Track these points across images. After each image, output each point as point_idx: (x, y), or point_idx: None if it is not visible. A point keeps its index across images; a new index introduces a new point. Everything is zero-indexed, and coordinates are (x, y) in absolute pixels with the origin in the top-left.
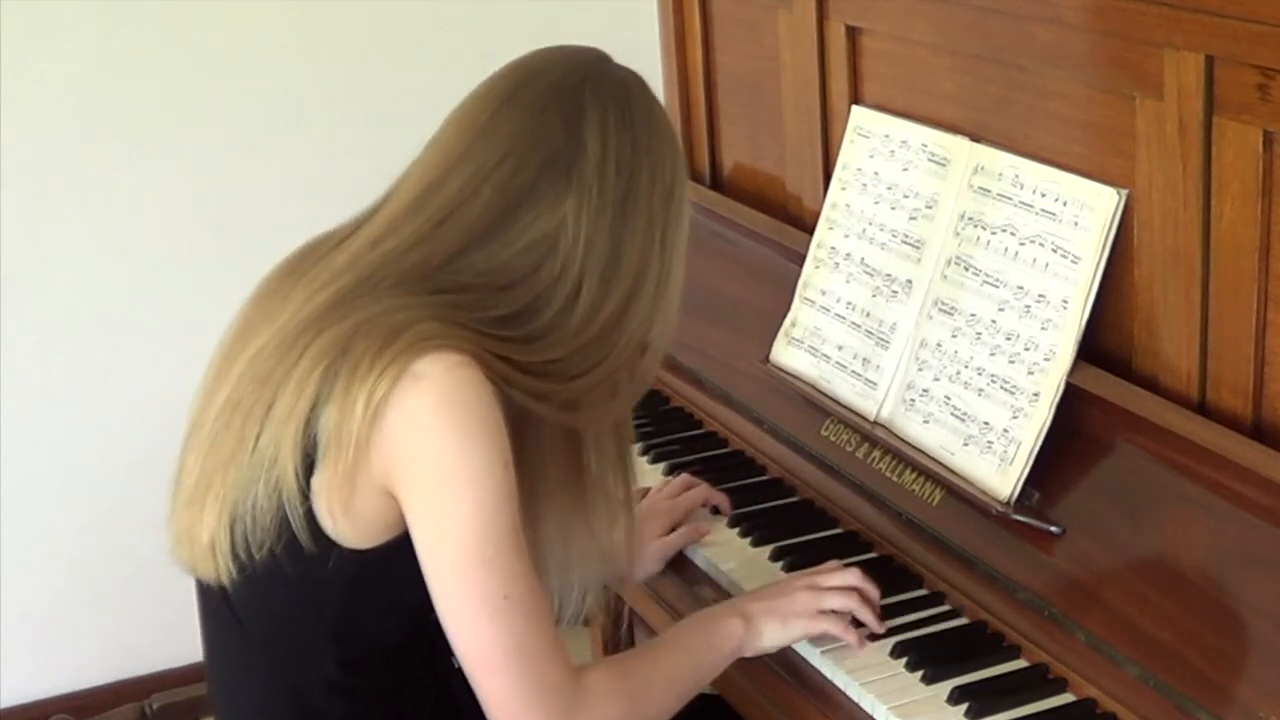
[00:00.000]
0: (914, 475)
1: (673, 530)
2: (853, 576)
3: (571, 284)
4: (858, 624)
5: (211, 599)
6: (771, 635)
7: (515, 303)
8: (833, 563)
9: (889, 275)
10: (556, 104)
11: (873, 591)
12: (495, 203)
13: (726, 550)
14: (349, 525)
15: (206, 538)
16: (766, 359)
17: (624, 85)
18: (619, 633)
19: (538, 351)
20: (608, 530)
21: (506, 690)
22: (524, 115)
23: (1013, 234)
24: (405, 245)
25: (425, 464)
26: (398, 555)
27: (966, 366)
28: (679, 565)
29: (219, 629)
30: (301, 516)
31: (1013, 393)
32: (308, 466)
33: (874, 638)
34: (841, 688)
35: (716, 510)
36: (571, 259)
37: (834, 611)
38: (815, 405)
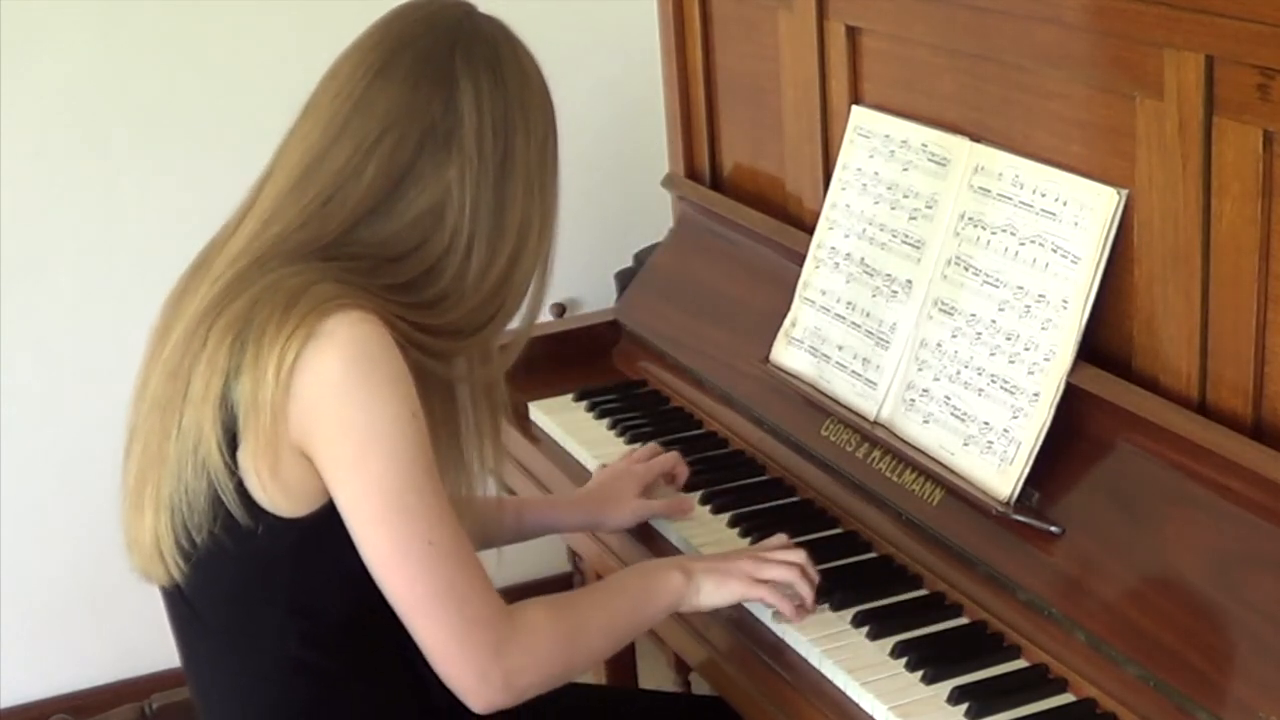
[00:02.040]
0: (914, 475)
1: (641, 491)
2: (797, 555)
3: (462, 251)
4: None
5: (172, 601)
6: (709, 594)
7: (408, 272)
8: (780, 536)
9: (889, 275)
10: (430, 75)
11: (813, 574)
12: (379, 179)
13: (727, 550)
14: (280, 494)
15: (149, 537)
16: (766, 359)
17: (492, 43)
18: None
19: (436, 316)
20: (481, 488)
21: (440, 631)
22: (399, 89)
23: (1013, 234)
24: (293, 226)
25: (335, 423)
26: (335, 520)
27: (966, 366)
28: None
29: (183, 628)
30: (233, 491)
31: (1013, 393)
32: (231, 441)
33: (876, 631)
34: (841, 687)
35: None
36: (459, 227)
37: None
38: (815, 405)
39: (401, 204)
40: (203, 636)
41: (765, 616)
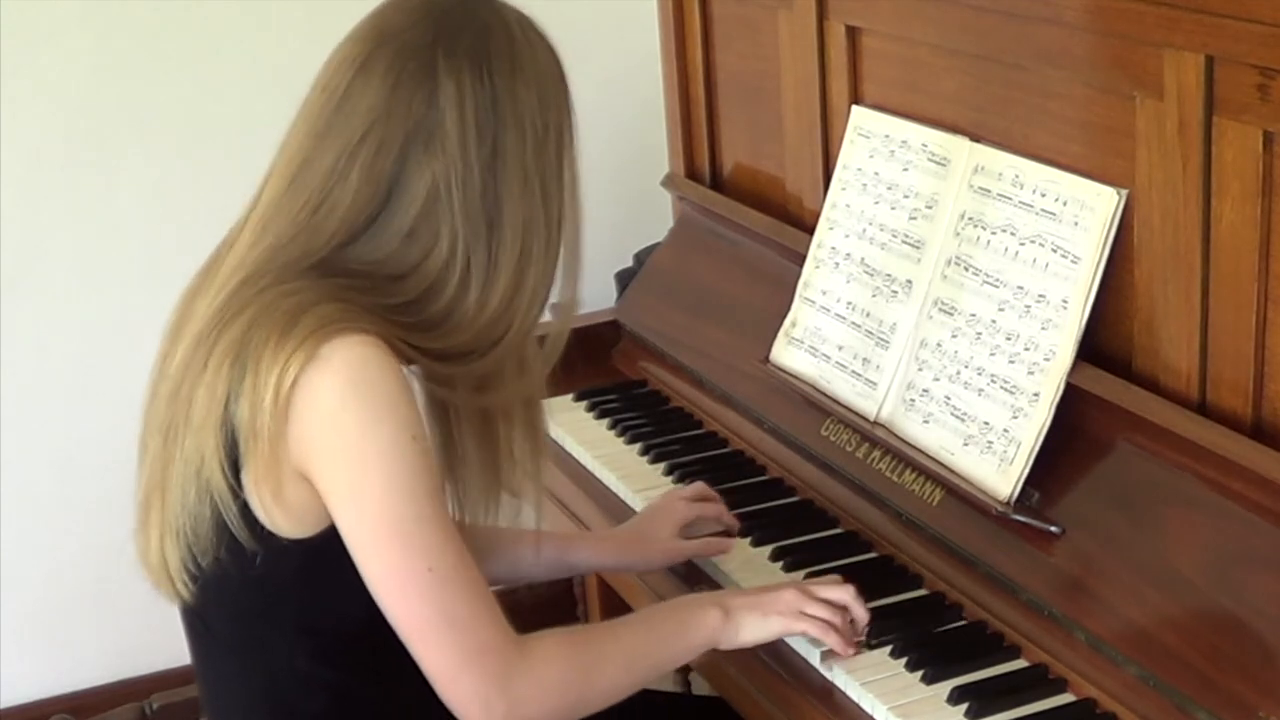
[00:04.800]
0: (914, 475)
1: (680, 530)
2: (845, 594)
3: (460, 263)
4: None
5: (184, 614)
6: (750, 630)
7: (409, 291)
8: (833, 577)
9: (889, 275)
10: (409, 72)
11: (861, 612)
12: (366, 187)
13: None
14: (283, 516)
15: (156, 559)
16: (766, 359)
17: (482, 34)
18: None
19: (440, 338)
20: (520, 506)
21: (442, 659)
22: (379, 87)
23: (1013, 234)
24: (285, 239)
25: (334, 447)
26: (339, 541)
27: (966, 366)
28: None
29: (195, 639)
30: (237, 515)
31: (1013, 393)
32: (234, 465)
33: (876, 631)
34: (841, 687)
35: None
36: (455, 237)
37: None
38: (815, 405)
39: (396, 219)
40: (212, 649)
41: (803, 644)
